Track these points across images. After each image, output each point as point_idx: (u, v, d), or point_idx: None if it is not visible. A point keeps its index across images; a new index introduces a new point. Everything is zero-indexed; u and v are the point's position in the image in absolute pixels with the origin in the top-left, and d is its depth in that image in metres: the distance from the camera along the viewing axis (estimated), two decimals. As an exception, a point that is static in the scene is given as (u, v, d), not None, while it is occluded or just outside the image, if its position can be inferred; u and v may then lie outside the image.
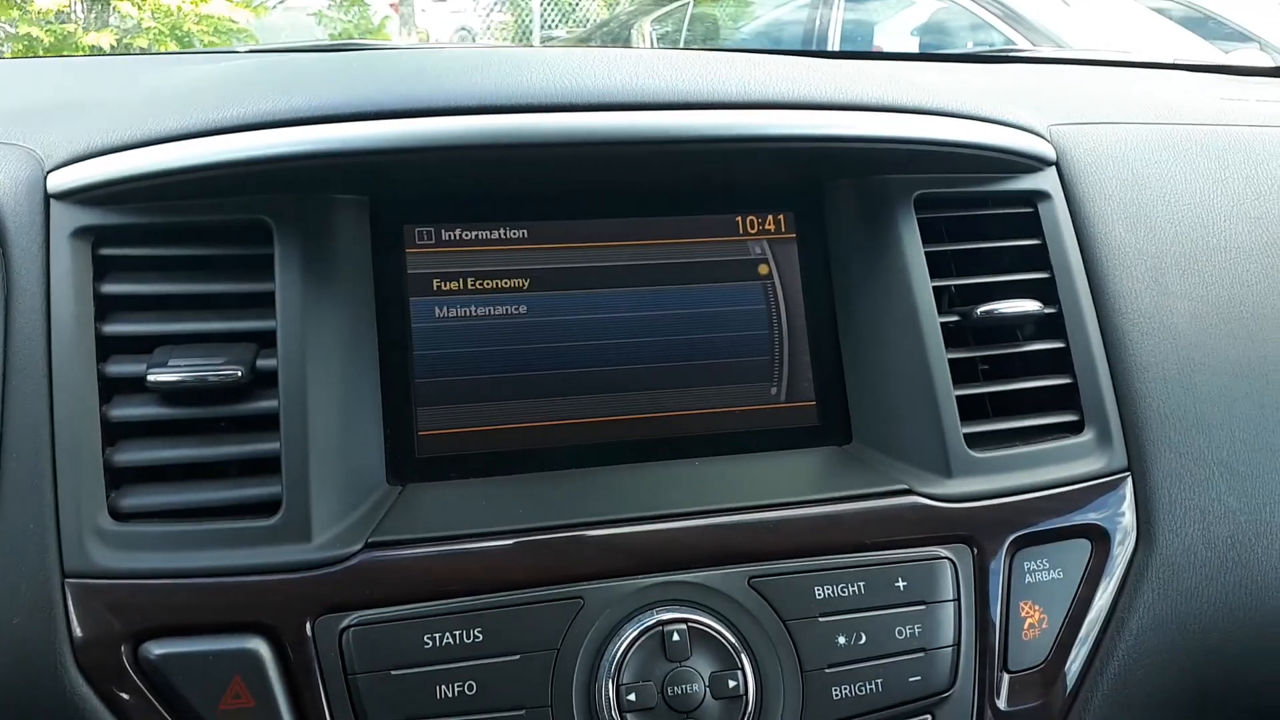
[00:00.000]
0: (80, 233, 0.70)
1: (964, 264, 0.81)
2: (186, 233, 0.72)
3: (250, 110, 0.68)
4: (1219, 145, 0.93)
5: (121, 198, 0.70)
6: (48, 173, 0.71)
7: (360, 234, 0.75)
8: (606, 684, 0.65)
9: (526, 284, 0.77)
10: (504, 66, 0.73)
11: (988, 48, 2.91)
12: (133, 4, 4.77)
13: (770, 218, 0.81)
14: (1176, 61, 1.46)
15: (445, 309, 0.76)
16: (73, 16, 5.12)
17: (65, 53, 4.63)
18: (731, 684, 0.66)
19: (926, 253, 0.78)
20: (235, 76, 0.79)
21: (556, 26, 7.25)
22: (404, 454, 0.73)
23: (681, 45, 4.69)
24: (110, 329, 0.69)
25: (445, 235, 0.76)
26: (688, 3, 4.73)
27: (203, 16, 4.74)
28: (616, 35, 4.86)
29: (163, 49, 4.72)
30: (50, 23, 4.85)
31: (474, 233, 0.77)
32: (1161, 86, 1.19)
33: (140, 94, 0.82)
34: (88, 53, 4.63)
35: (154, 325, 0.70)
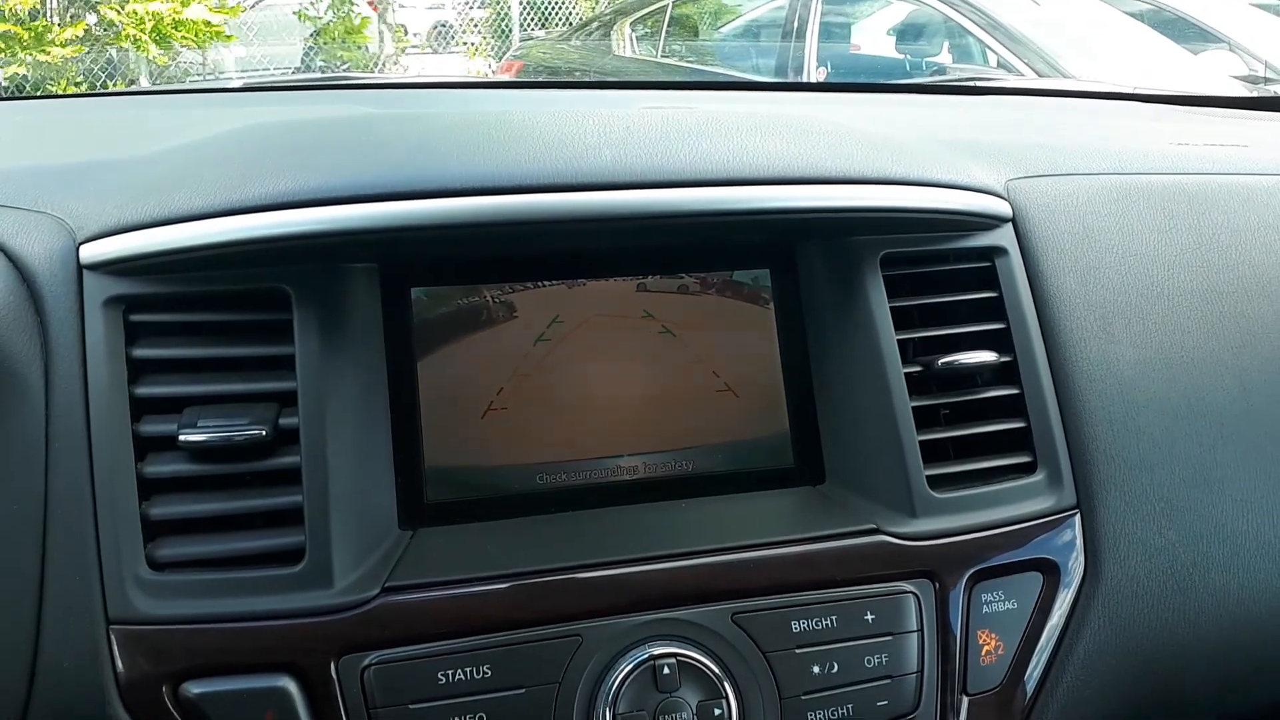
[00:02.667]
0: (112, 301, 0.76)
1: (926, 317, 0.88)
2: (211, 300, 0.78)
3: (271, 190, 0.74)
4: (1166, 195, 1.01)
5: (151, 269, 0.76)
6: (79, 244, 0.77)
7: (371, 298, 0.81)
8: (604, 714, 0.72)
9: (526, 339, 0.83)
10: (504, 144, 0.79)
11: (956, 70, 2.98)
12: (111, 8, 4.78)
13: (749, 276, 0.88)
14: (1135, 91, 1.53)
15: (450, 366, 0.82)
16: (47, 13, 5.13)
17: (44, 47, 4.65)
18: (717, 712, 0.73)
19: (892, 307, 0.85)
20: (252, 149, 0.84)
21: (537, 27, 7.28)
22: (414, 501, 0.80)
23: (660, 48, 4.74)
24: (142, 391, 0.75)
25: (450, 296, 0.83)
26: (667, 5, 4.77)
27: (181, 22, 4.76)
28: (596, 40, 4.90)
29: (144, 53, 4.73)
30: (24, 21, 4.85)
31: (476, 294, 0.83)
32: (1116, 129, 1.27)
33: (159, 159, 0.87)
34: (61, 46, 4.66)
35: (183, 387, 0.76)
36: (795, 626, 0.76)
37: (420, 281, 0.83)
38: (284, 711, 0.69)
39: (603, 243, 0.84)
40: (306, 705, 0.70)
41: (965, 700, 0.80)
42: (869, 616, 0.78)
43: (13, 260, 0.77)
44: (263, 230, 0.73)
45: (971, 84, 1.62)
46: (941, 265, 0.89)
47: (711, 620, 0.75)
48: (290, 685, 0.70)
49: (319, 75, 1.75)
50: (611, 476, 0.84)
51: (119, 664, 0.69)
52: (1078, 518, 0.85)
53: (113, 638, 0.70)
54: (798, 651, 0.76)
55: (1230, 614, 0.87)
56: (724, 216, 0.77)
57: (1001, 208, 0.90)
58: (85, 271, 0.77)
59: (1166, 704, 0.86)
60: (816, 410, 0.87)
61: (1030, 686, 0.81)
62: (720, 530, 0.80)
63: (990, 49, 2.97)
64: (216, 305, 0.78)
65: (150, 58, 4.71)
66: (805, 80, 3.45)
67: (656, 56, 4.67)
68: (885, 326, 0.84)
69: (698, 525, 0.81)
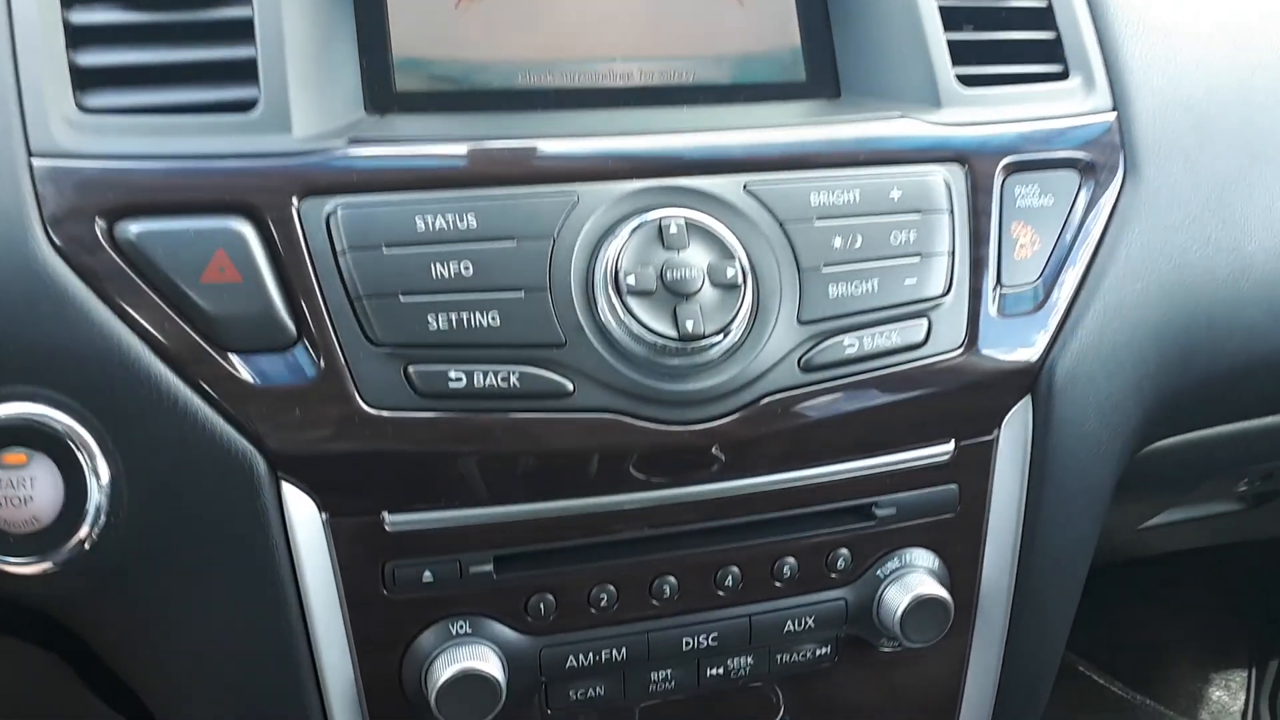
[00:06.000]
0: None
1: None
2: None
3: None
4: None
5: None
6: None
7: None
8: (604, 268, 0.63)
9: None
10: None
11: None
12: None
13: None
14: None
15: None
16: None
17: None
18: (730, 273, 0.64)
19: None
20: None
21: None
22: (383, 88, 0.71)
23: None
24: None
25: None
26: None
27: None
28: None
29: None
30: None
31: None
32: None
33: None
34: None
35: None
36: (815, 199, 0.68)
37: None
38: (237, 251, 0.60)
39: None
40: (264, 249, 0.61)
41: (1000, 293, 0.72)
42: (895, 194, 0.70)
43: None
44: None
45: None
46: None
47: (722, 189, 0.67)
48: (244, 227, 0.61)
49: None
50: (602, 81, 0.75)
51: (43, 199, 0.60)
52: (1115, 118, 0.78)
53: (35, 171, 0.60)
54: (818, 223, 0.68)
55: (1275, 239, 0.80)
56: None
57: None
58: None
59: (1210, 327, 0.79)
60: (830, 19, 0.79)
61: (1069, 286, 0.74)
62: (733, 118, 0.73)
63: None
64: None
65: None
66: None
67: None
68: None
69: (708, 116, 0.73)
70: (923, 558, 0.74)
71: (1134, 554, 1.42)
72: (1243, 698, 1.67)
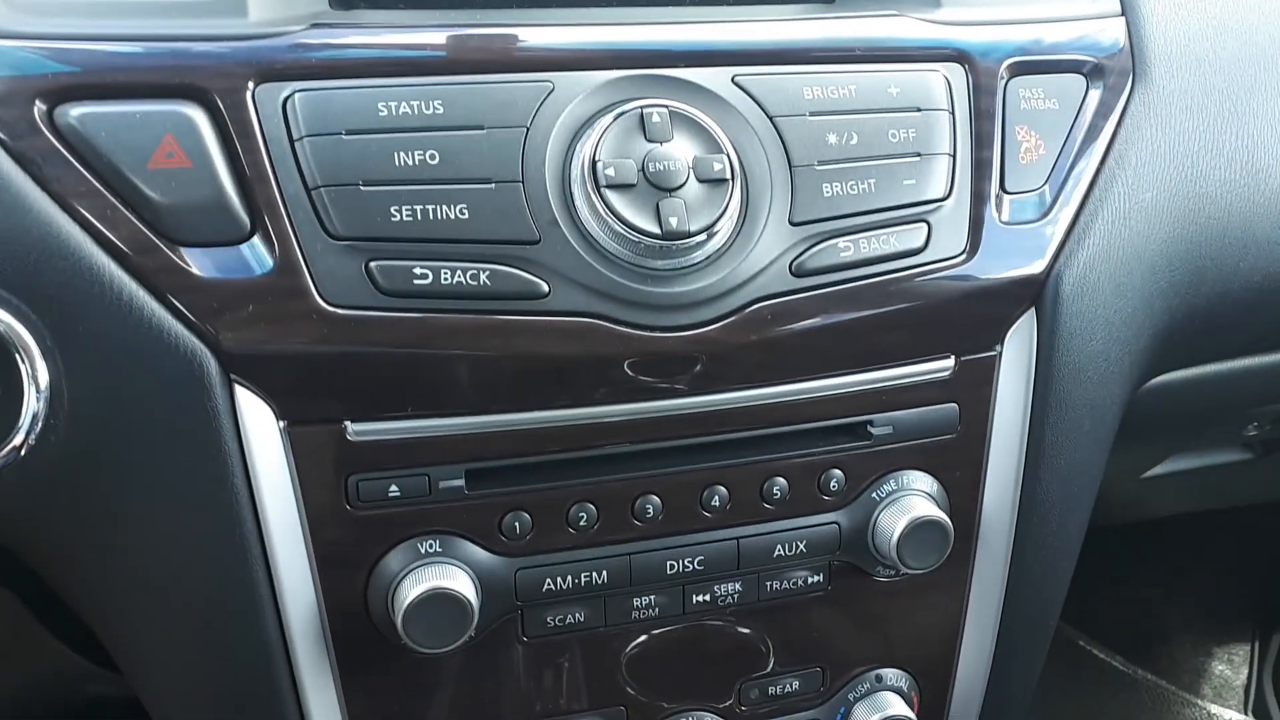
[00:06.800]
0: None
1: None
2: None
3: None
4: None
5: None
6: None
7: None
8: (581, 160, 0.59)
9: None
10: None
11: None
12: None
13: None
14: None
15: None
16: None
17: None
18: (717, 167, 0.60)
19: None
20: None
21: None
22: None
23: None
24: None
25: None
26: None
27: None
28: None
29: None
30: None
31: None
32: None
33: None
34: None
35: None
36: (808, 94, 0.64)
37: None
38: (187, 136, 0.56)
39: None
40: (216, 134, 0.57)
41: (1007, 199, 0.68)
42: (894, 90, 0.66)
43: None
44: None
45: None
46: None
47: (709, 80, 0.63)
48: (195, 112, 0.57)
49: None
50: None
51: None
52: (1123, 22, 0.74)
53: None
54: (811, 119, 0.64)
55: (1290, 152, 0.77)
56: None
57: None
58: None
59: (1223, 251, 0.75)
60: None
61: (1078, 192, 0.70)
62: (720, 12, 0.68)
63: None
64: None
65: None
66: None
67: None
68: None
69: (689, 15, 0.69)
70: (921, 481, 0.70)
71: (1138, 514, 1.38)
72: (1245, 672, 1.64)
